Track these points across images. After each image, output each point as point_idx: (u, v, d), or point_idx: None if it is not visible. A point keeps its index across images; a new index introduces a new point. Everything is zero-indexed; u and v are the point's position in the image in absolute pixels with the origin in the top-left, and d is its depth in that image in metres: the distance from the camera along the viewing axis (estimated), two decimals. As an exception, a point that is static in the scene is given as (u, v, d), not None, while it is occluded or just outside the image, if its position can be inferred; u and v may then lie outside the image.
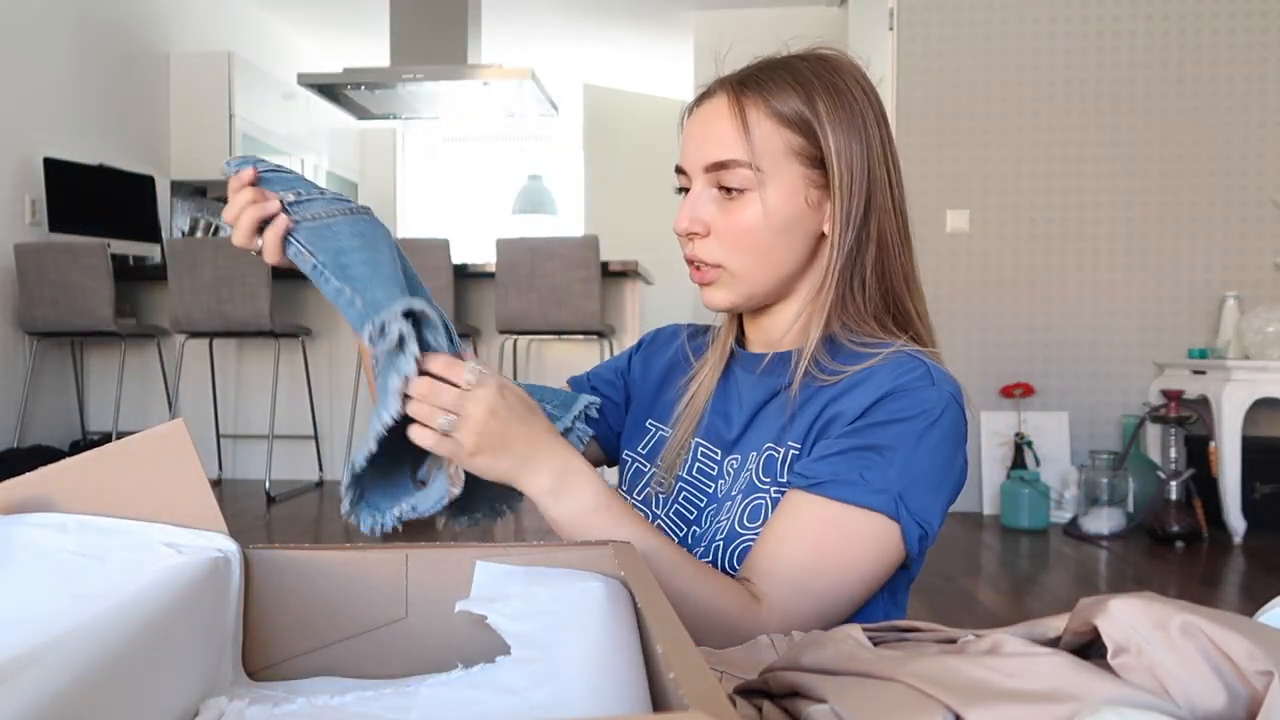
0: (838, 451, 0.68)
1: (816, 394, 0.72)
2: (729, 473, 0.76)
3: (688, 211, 0.74)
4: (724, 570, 0.71)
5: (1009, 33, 3.65)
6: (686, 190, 0.76)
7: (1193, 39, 3.57)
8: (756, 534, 0.70)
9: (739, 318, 0.83)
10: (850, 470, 0.67)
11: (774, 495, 0.72)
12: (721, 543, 0.72)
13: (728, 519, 0.73)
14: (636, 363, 0.92)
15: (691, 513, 0.77)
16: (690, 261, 0.76)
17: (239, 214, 0.64)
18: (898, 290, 0.76)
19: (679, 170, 0.76)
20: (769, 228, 0.72)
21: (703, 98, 0.76)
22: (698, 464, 0.79)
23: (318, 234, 0.65)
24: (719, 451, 0.78)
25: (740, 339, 0.83)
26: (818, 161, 0.72)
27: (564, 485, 0.63)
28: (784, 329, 0.78)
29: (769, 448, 0.74)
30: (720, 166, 0.72)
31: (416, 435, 0.59)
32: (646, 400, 0.88)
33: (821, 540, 0.66)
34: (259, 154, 0.71)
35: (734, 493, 0.74)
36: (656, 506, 0.80)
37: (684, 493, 0.79)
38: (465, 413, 0.59)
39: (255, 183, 0.65)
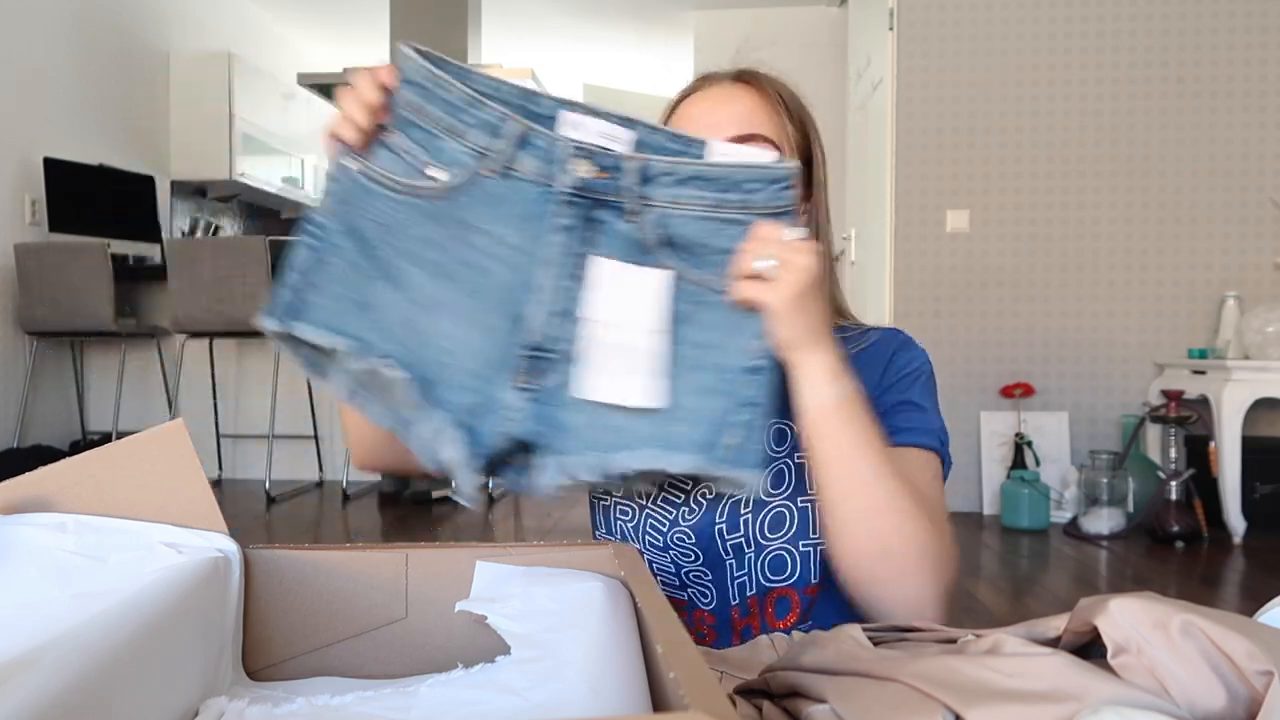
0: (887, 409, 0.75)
1: None
2: None
3: None
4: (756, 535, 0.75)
5: (1009, 33, 3.65)
6: None
7: (1192, 39, 3.57)
8: (783, 500, 0.73)
9: None
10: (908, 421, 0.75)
11: (796, 461, 0.74)
12: (751, 512, 0.74)
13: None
14: None
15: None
16: None
17: (344, 111, 0.62)
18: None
19: None
20: None
21: (704, 83, 0.80)
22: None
23: (354, 193, 0.61)
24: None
25: None
26: (806, 162, 0.78)
27: (843, 370, 0.64)
28: None
29: (775, 423, 0.75)
30: (745, 139, 0.74)
31: (735, 288, 0.61)
32: None
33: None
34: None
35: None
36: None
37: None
38: (791, 260, 0.60)
39: (390, 91, 0.61)
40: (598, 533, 0.83)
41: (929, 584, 0.65)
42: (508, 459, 0.63)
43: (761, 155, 0.63)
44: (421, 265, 0.62)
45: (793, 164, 0.62)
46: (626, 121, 0.63)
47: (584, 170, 0.61)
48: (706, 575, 0.75)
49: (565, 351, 0.62)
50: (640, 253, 0.63)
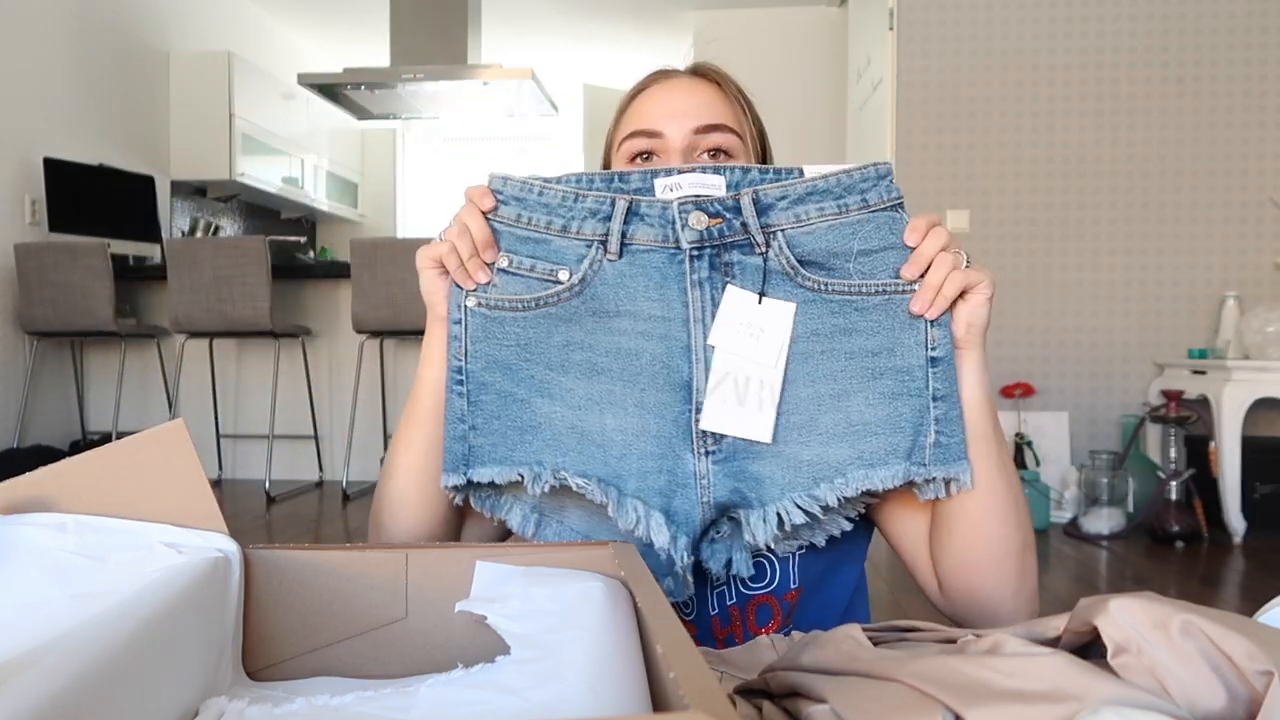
0: None
1: None
2: None
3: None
4: None
5: (1009, 33, 3.65)
6: (647, 154, 0.78)
7: (1192, 39, 3.57)
8: None
9: None
10: None
11: None
12: None
13: None
14: None
15: None
16: None
17: (451, 245, 0.62)
18: None
19: (642, 134, 0.77)
20: None
21: (660, 77, 0.80)
22: None
23: (483, 328, 0.62)
24: None
25: None
26: (759, 154, 0.81)
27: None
28: None
29: None
30: (711, 129, 0.76)
31: (947, 279, 0.60)
32: None
33: None
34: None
35: None
36: None
37: None
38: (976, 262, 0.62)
39: (490, 211, 0.63)
40: None
41: (1036, 574, 0.67)
42: (713, 533, 0.63)
43: (848, 164, 0.63)
44: (570, 370, 0.62)
45: (885, 161, 0.63)
46: (714, 169, 0.63)
47: (700, 221, 0.61)
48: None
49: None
50: (779, 279, 0.62)
